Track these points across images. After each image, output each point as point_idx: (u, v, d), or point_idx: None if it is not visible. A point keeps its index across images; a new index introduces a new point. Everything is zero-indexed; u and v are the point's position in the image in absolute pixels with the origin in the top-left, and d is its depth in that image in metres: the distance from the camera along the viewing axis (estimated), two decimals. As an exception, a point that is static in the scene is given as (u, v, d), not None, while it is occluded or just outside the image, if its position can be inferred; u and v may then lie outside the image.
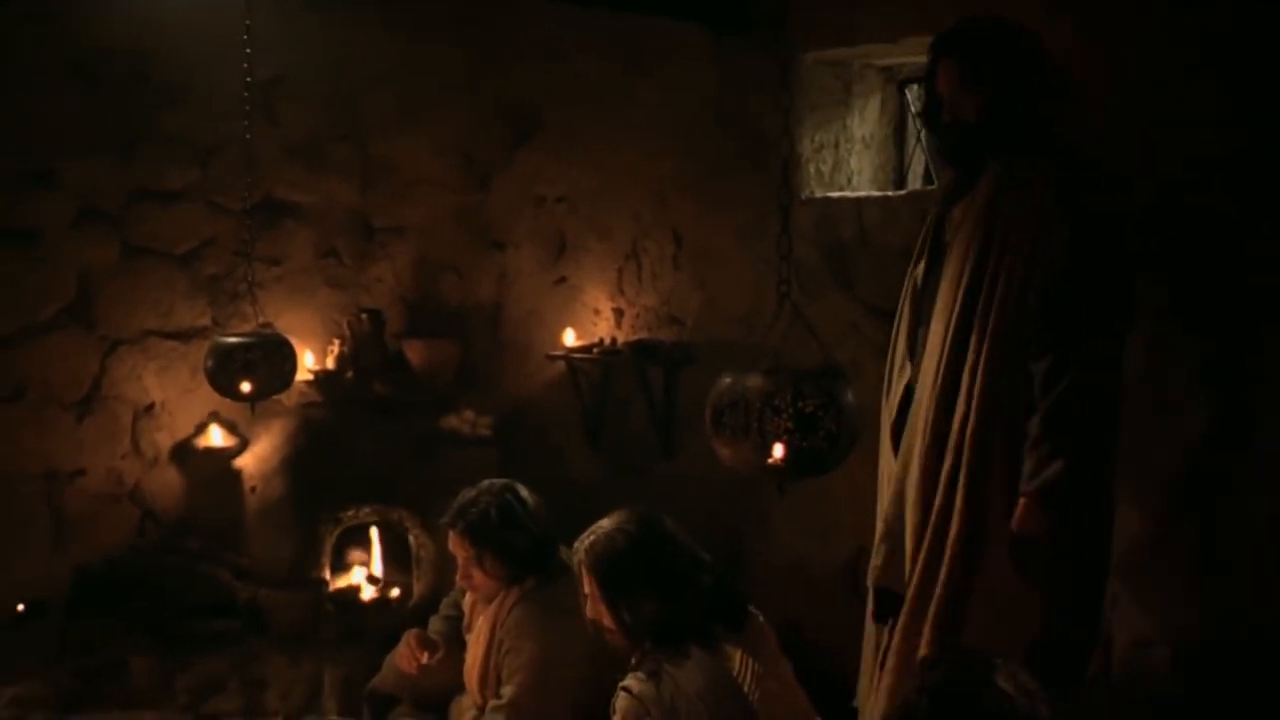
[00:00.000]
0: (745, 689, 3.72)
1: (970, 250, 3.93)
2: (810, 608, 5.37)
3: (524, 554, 4.64)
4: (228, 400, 5.84)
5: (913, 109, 5.94)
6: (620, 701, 3.80)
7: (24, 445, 6.53)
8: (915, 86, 5.94)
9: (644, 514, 4.01)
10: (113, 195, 6.68)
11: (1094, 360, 3.72)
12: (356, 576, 6.64)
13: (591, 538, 3.97)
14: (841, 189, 5.82)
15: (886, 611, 4.16)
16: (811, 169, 5.79)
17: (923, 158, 5.91)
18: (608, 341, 6.58)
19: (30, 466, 6.57)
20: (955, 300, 3.94)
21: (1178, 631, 4.30)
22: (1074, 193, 3.78)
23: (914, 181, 5.93)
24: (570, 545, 4.31)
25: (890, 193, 5.73)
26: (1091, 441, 3.75)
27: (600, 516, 4.08)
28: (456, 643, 4.91)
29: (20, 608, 6.40)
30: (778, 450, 3.76)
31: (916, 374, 4.12)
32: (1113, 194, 3.91)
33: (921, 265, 4.23)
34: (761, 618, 3.98)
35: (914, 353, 4.17)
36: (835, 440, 3.80)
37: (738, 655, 3.79)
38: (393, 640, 5.04)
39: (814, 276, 5.46)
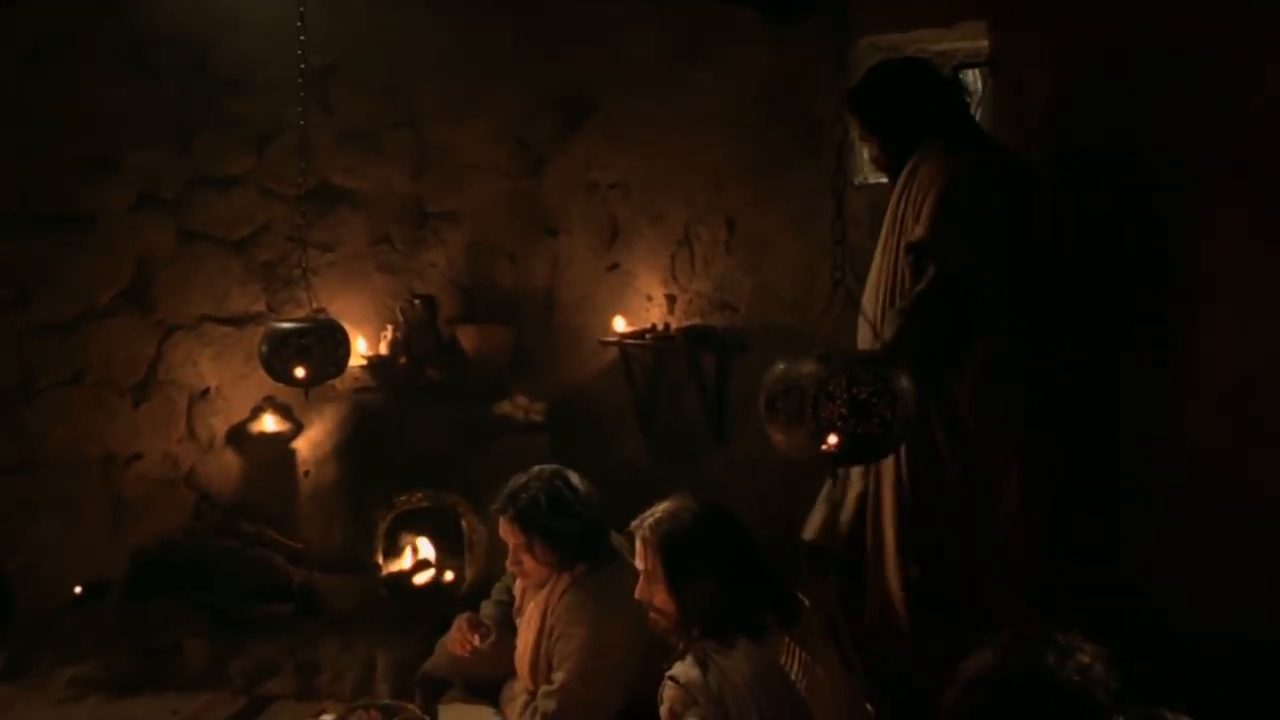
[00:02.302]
0: (793, 678, 3.72)
1: (883, 237, 4.70)
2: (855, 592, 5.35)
3: (573, 541, 4.65)
4: (282, 385, 5.86)
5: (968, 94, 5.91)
6: (667, 690, 3.80)
7: (83, 429, 6.60)
8: (970, 71, 5.91)
9: (706, 498, 4.01)
10: (170, 182, 6.73)
11: (954, 273, 4.35)
12: (409, 561, 6.67)
13: (656, 516, 3.96)
14: (895, 175, 5.80)
15: (821, 568, 4.64)
16: (864, 154, 5.77)
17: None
18: (660, 327, 6.58)
19: (89, 450, 6.64)
20: (879, 279, 4.66)
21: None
22: (946, 168, 4.45)
23: (966, 167, 5.90)
24: (621, 532, 4.32)
25: (943, 179, 5.70)
26: (932, 336, 4.33)
27: (652, 502, 4.08)
28: (508, 627, 4.92)
29: (78, 590, 6.46)
30: (832, 437, 3.75)
31: None
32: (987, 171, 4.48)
33: None
34: (808, 603, 3.97)
35: None
36: (890, 426, 3.78)
37: (785, 644, 3.79)
38: (445, 625, 5.06)
39: (867, 262, 5.44)
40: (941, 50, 5.85)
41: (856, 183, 5.70)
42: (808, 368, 3.78)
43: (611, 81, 6.84)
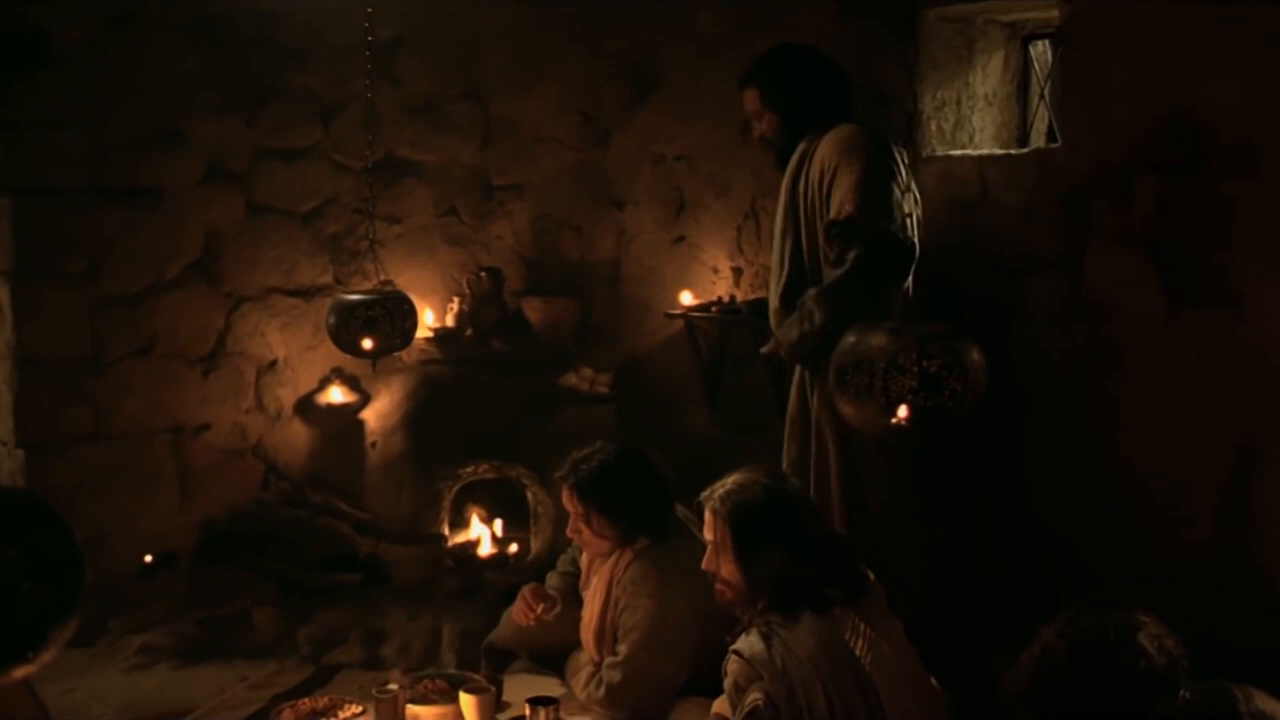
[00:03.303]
0: (858, 653, 3.70)
1: (782, 214, 5.01)
2: (932, 566, 5.33)
3: (631, 516, 4.65)
4: (349, 357, 5.90)
5: (1036, 66, 5.86)
6: (731, 664, 3.79)
7: (152, 400, 6.65)
8: (1040, 43, 5.86)
9: (776, 471, 4.01)
10: (239, 154, 6.77)
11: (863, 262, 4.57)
12: (474, 532, 6.69)
13: (725, 488, 3.95)
14: (963, 147, 5.75)
15: None
16: (933, 126, 5.73)
17: (1047, 115, 5.82)
18: (726, 300, 6.56)
19: (158, 421, 6.69)
20: (781, 260, 5.01)
21: None
22: (850, 143, 4.74)
23: (1037, 139, 5.85)
24: (687, 505, 4.32)
25: (1013, 150, 5.66)
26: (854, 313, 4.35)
27: (718, 474, 4.07)
28: (573, 599, 4.94)
29: (148, 559, 6.52)
30: (902, 410, 3.73)
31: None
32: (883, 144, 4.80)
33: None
34: (872, 577, 3.95)
35: None
36: (960, 400, 3.77)
37: (850, 619, 3.77)
38: (511, 595, 5.08)
39: (935, 235, 5.41)
40: (1010, 21, 5.80)
41: (925, 155, 5.65)
42: (878, 340, 3.77)
43: (678, 53, 6.81)
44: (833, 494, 4.82)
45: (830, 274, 4.74)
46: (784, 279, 5.01)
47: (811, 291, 4.78)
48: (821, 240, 4.81)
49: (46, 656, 2.28)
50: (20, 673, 2.26)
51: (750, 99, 5.20)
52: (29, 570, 2.20)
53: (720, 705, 4.12)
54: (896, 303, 4.55)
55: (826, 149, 4.84)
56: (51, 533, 2.30)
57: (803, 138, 4.99)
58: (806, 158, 4.93)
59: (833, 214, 4.71)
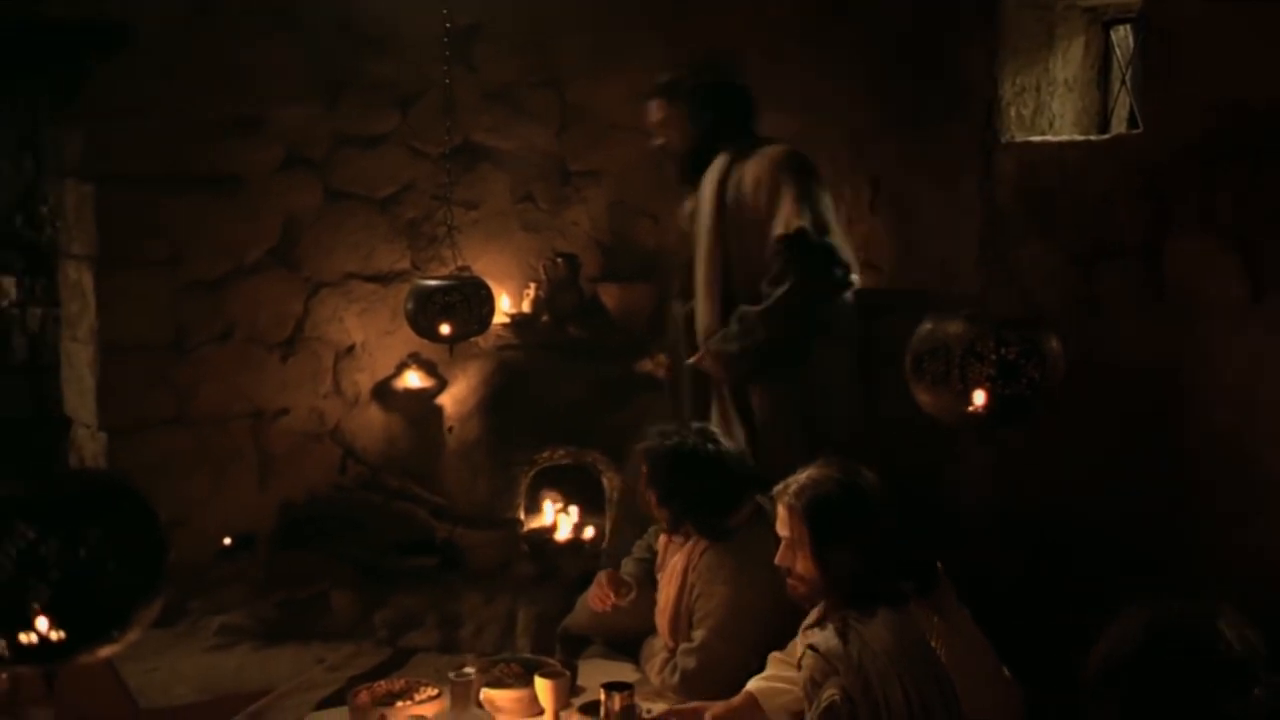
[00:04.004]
0: (933, 646, 3.69)
1: (710, 227, 5.27)
2: (1005, 556, 5.30)
3: (686, 505, 4.66)
4: (426, 342, 5.93)
5: (1117, 51, 5.79)
6: (807, 659, 3.78)
7: (232, 384, 6.70)
8: (1121, 27, 5.79)
9: (851, 465, 3.98)
10: (317, 141, 6.81)
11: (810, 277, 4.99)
12: (550, 517, 6.71)
13: (800, 483, 3.94)
14: (1043, 133, 5.70)
15: None
16: (1012, 113, 5.68)
17: (1127, 101, 5.76)
18: (800, 286, 6.53)
19: (238, 405, 6.75)
20: (714, 268, 5.29)
21: None
22: (788, 163, 5.12)
23: (1118, 125, 5.78)
24: (764, 492, 4.31)
25: (1093, 137, 5.60)
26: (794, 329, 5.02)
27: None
28: (649, 584, 4.95)
29: (227, 541, 6.58)
30: (979, 398, 3.71)
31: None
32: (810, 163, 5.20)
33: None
34: (940, 568, 3.93)
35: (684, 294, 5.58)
36: (1039, 388, 3.74)
37: (923, 612, 3.75)
38: (586, 581, 5.09)
39: (1014, 221, 5.36)
40: (1091, 6, 5.73)
41: (1003, 141, 5.60)
42: (955, 328, 3.74)
43: (753, 39, 6.79)
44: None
45: (768, 290, 5.05)
46: (720, 292, 5.28)
47: (753, 309, 5.09)
48: (769, 253, 5.06)
49: (131, 636, 2.30)
50: (105, 652, 2.29)
51: (659, 109, 5.49)
52: (114, 551, 2.23)
53: (754, 684, 4.14)
54: (838, 314, 5.20)
55: (761, 166, 5.17)
56: (136, 514, 2.32)
57: (713, 152, 5.32)
58: (730, 173, 5.24)
59: (780, 230, 5.01)
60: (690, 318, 5.49)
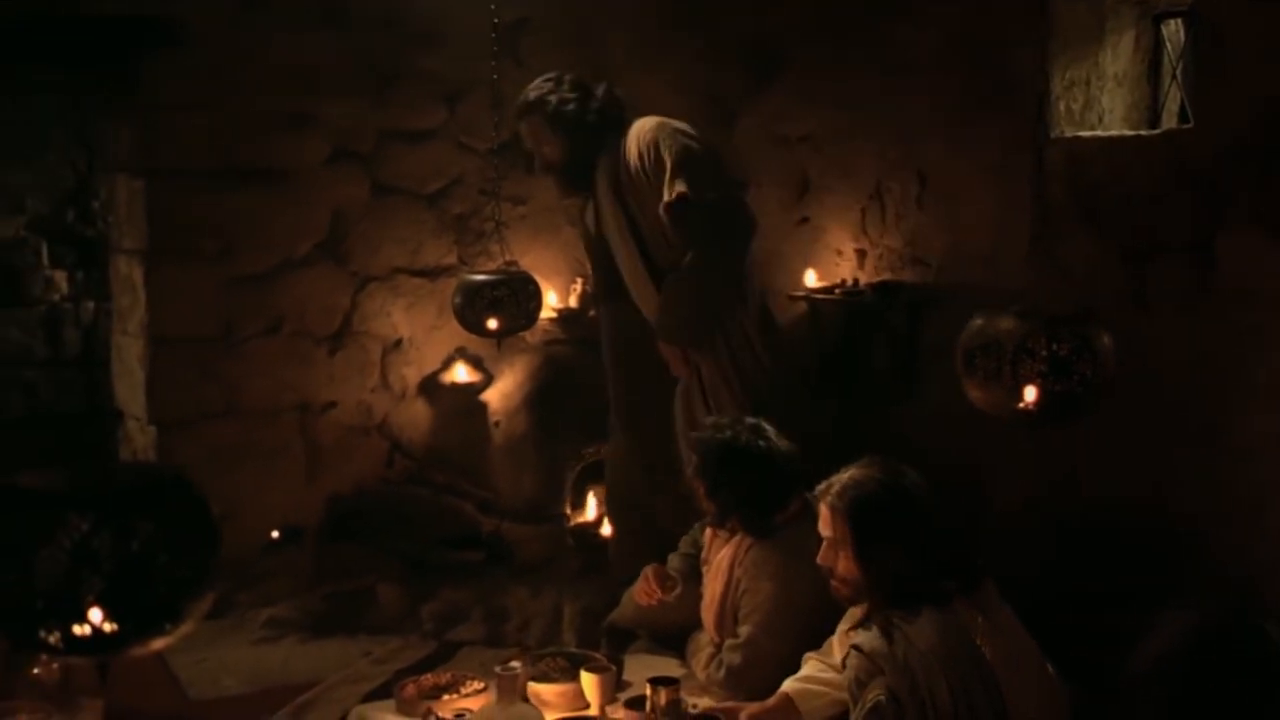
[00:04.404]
0: (979, 645, 3.67)
1: (618, 222, 5.51)
2: (1050, 556, 5.28)
3: (752, 496, 4.66)
4: (473, 337, 5.95)
5: (1168, 45, 5.75)
6: (852, 660, 3.77)
7: (280, 378, 6.73)
8: (1172, 21, 5.75)
9: (893, 464, 3.97)
10: (365, 136, 6.82)
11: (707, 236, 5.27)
12: (593, 512, 6.71)
13: (842, 483, 3.93)
14: (1092, 128, 5.67)
15: None
16: (1061, 107, 5.65)
17: (1178, 96, 5.72)
18: (850, 282, 6.53)
19: (286, 398, 6.77)
20: (629, 251, 5.51)
21: None
22: (655, 133, 5.39)
23: (1168, 120, 5.74)
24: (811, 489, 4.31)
25: (1143, 132, 5.57)
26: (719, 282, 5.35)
27: (839, 458, 4.06)
28: (695, 580, 4.95)
29: (275, 534, 6.61)
30: (1030, 394, 3.70)
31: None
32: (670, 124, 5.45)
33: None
34: (979, 563, 3.92)
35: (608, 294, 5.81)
36: (1090, 385, 3.72)
37: (967, 611, 3.74)
38: (632, 575, 5.10)
39: (1063, 217, 5.34)
40: (1141, 0, 5.70)
41: (1053, 136, 5.57)
42: (1006, 323, 3.73)
43: (802, 33, 6.78)
44: None
45: (679, 256, 5.35)
46: (651, 279, 5.52)
47: (670, 278, 5.39)
48: (666, 222, 5.34)
49: (183, 629, 2.32)
50: (158, 644, 2.30)
51: (532, 127, 5.71)
52: (167, 544, 2.24)
53: (790, 685, 4.14)
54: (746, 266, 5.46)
55: (633, 147, 5.44)
56: (189, 508, 2.34)
57: (592, 154, 5.60)
58: (617, 165, 5.50)
59: (665, 199, 5.27)
60: (617, 315, 5.78)
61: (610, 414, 5.92)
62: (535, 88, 5.64)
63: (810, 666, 4.21)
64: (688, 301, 5.39)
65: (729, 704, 4.29)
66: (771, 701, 4.17)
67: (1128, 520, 5.14)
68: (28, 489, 2.33)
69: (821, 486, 3.99)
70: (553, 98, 5.59)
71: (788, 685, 4.17)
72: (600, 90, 5.67)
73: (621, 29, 6.99)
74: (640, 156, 5.42)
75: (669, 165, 5.31)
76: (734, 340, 5.50)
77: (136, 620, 2.27)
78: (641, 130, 5.48)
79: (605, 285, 5.86)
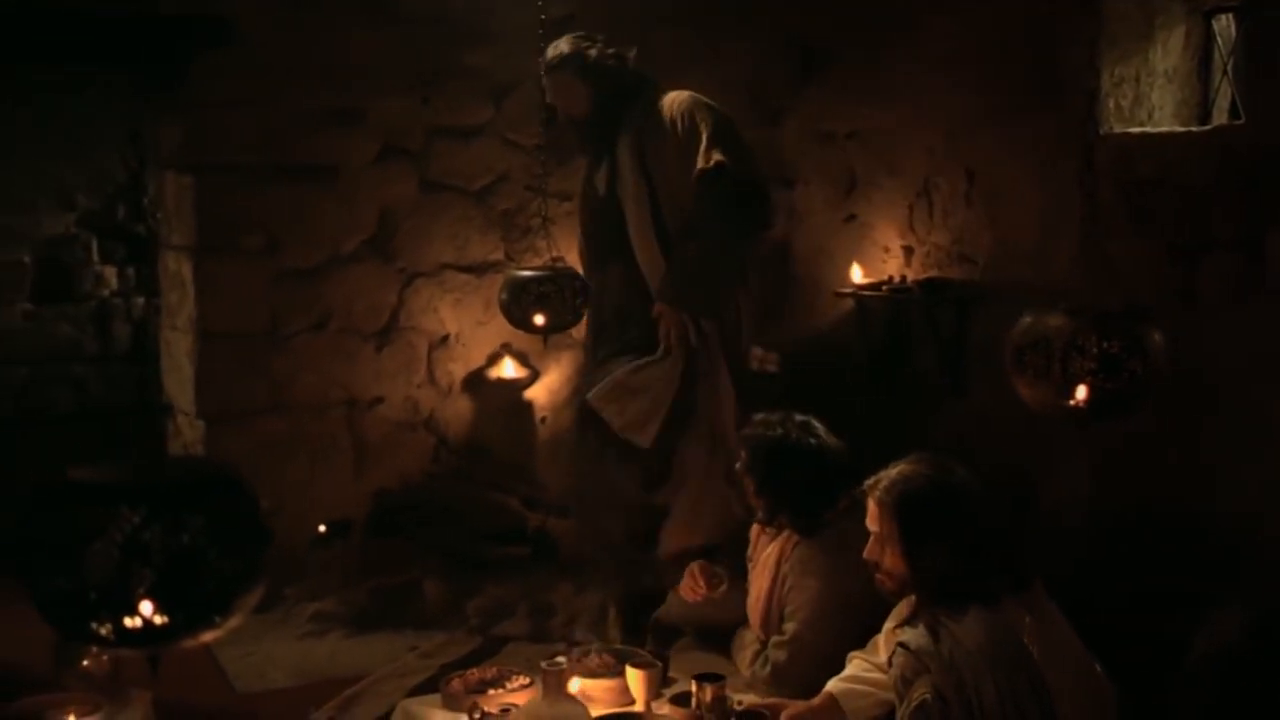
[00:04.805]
0: (1027, 644, 3.65)
1: (635, 187, 5.50)
2: (1099, 555, 5.25)
3: (802, 494, 4.65)
4: (519, 333, 5.96)
5: (1219, 41, 5.71)
6: (898, 657, 3.76)
7: (328, 373, 6.76)
8: (1223, 17, 5.71)
9: (943, 460, 3.95)
10: (413, 133, 6.84)
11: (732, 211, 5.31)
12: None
13: (891, 478, 3.91)
14: (1142, 124, 5.63)
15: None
16: (1111, 104, 5.62)
17: (1229, 92, 5.68)
18: (897, 279, 6.51)
19: (333, 394, 6.80)
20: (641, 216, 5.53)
21: None
22: (689, 106, 5.46)
23: (1219, 117, 5.70)
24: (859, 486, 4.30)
25: (1194, 128, 5.53)
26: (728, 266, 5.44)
27: (885, 456, 4.04)
28: (740, 576, 4.95)
29: (322, 529, 6.64)
30: (1080, 392, 3.68)
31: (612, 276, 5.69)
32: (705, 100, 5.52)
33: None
34: (1028, 562, 3.90)
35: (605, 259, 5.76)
36: (1140, 383, 3.70)
37: (1015, 610, 3.72)
38: (680, 572, 5.10)
39: (1112, 214, 5.31)
40: (1194, -6, 5.68)
41: (1102, 132, 5.54)
42: (1056, 321, 3.71)
43: (849, 30, 6.76)
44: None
45: (697, 225, 5.38)
46: (660, 245, 5.54)
47: (683, 243, 5.44)
48: (697, 188, 5.34)
49: (232, 622, 2.34)
50: (207, 637, 2.32)
51: (563, 80, 5.65)
52: (217, 537, 2.26)
53: (834, 685, 4.13)
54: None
55: (674, 109, 5.49)
56: (239, 502, 2.35)
57: (618, 116, 5.59)
58: (644, 128, 5.52)
59: (701, 164, 5.31)
60: (609, 282, 5.74)
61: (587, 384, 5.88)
62: (569, 42, 5.62)
63: (855, 666, 4.20)
64: (699, 267, 5.41)
65: (773, 701, 4.28)
66: (816, 701, 4.16)
67: (1177, 519, 5.11)
68: (79, 483, 2.35)
69: (870, 481, 3.97)
70: (592, 51, 5.60)
71: (832, 685, 4.16)
72: (632, 54, 5.70)
73: (667, 26, 6.99)
74: (674, 122, 5.47)
75: (705, 135, 5.36)
76: (728, 323, 5.56)
77: (186, 613, 2.28)
78: (678, 98, 5.54)
79: (603, 250, 5.83)
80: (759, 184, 5.50)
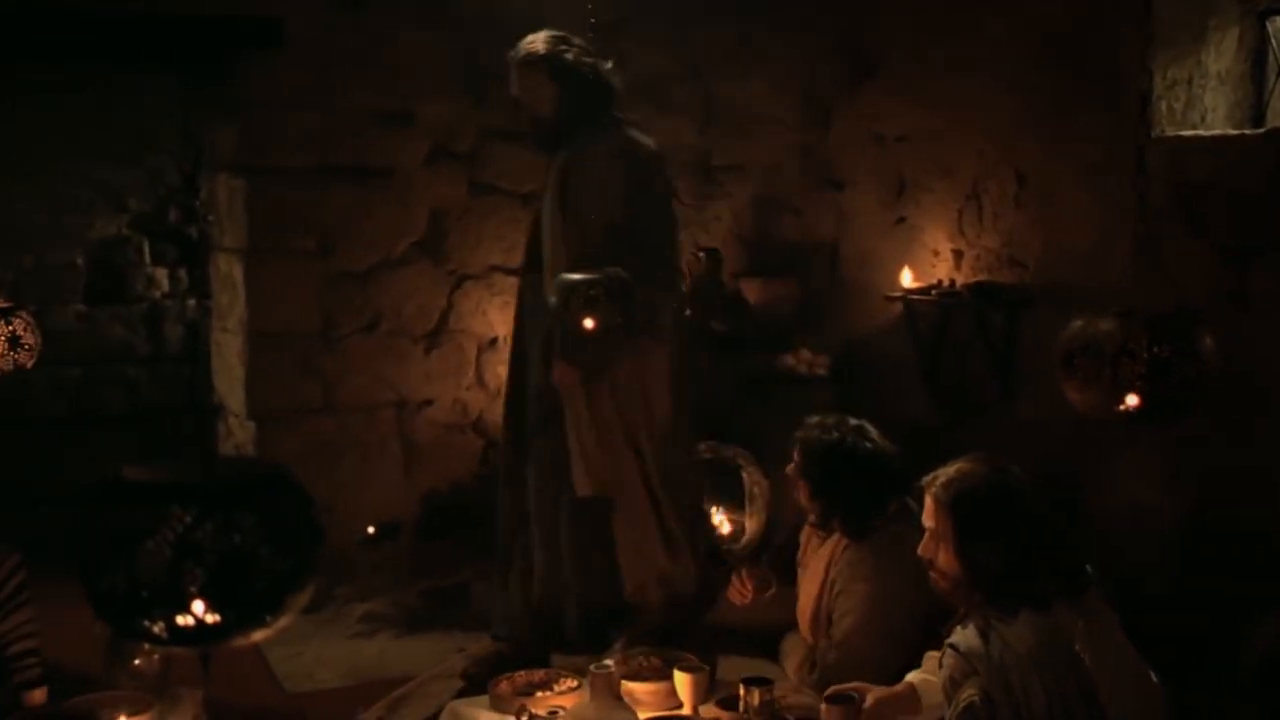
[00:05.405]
0: (1078, 650, 3.63)
1: (554, 205, 5.33)
2: (1151, 560, 5.21)
3: (856, 498, 4.64)
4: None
5: (1274, 42, 5.66)
6: (947, 658, 3.74)
7: (378, 374, 6.79)
8: (1278, 18, 5.66)
9: (1000, 461, 3.93)
10: (464, 135, 6.87)
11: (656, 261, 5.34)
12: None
13: (948, 475, 3.89)
14: (1194, 127, 5.59)
15: None
16: (1163, 106, 5.58)
17: (1285, 94, 5.64)
18: (946, 283, 6.49)
19: (383, 395, 6.83)
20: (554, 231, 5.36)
21: None
22: (624, 154, 5.35)
23: (1273, 119, 5.66)
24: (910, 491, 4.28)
25: (1247, 131, 5.49)
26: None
27: (935, 459, 4.03)
28: (790, 580, 4.94)
29: (371, 530, 6.66)
30: (1132, 398, 3.65)
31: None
32: (652, 154, 5.47)
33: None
34: (1089, 570, 3.87)
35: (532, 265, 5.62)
36: (1192, 387, 3.67)
37: (1068, 615, 3.70)
38: (728, 576, 5.09)
39: (1164, 217, 5.27)
40: (1247, -5, 5.63)
41: (1154, 135, 5.51)
42: (1107, 325, 3.69)
43: (899, 31, 6.75)
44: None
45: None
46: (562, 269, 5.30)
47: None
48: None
49: (283, 621, 2.35)
50: (258, 636, 2.33)
51: (534, 78, 5.48)
52: (268, 537, 2.27)
53: (915, 676, 4.10)
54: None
55: (609, 152, 5.35)
56: (291, 502, 2.36)
57: (576, 125, 5.38)
58: (584, 152, 5.33)
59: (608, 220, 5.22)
60: (539, 287, 5.52)
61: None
62: (544, 40, 5.48)
63: (930, 663, 4.18)
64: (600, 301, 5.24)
65: (857, 684, 4.23)
66: (898, 688, 4.13)
67: (1229, 522, 5.07)
68: (133, 482, 2.37)
69: (927, 478, 3.95)
70: (568, 54, 5.43)
71: (912, 676, 4.13)
72: (608, 65, 5.52)
73: (718, 29, 7.00)
74: (601, 164, 5.33)
75: (624, 176, 5.31)
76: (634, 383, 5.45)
77: (238, 612, 2.29)
78: (639, 148, 5.46)
79: (534, 257, 5.67)
80: (664, 250, 5.45)
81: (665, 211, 5.51)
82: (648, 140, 5.51)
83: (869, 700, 4.07)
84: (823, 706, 4.00)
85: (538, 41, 5.47)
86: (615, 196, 5.25)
